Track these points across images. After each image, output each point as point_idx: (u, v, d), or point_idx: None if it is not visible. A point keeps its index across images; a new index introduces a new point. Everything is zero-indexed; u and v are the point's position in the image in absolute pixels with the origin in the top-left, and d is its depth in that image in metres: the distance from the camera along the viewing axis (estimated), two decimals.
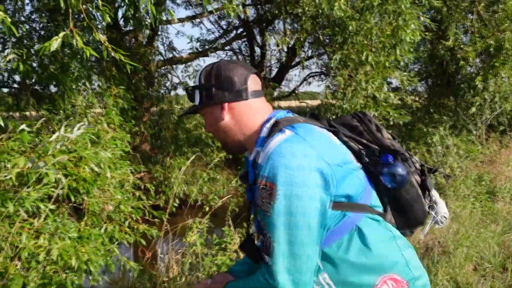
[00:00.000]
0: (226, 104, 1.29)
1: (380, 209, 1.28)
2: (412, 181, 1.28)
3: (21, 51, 4.08)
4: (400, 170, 1.26)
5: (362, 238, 1.19)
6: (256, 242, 1.41)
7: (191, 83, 10.13)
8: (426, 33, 7.28)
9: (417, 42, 7.17)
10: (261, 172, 1.17)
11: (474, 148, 7.70)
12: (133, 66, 7.34)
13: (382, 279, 1.18)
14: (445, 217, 1.38)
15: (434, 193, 1.39)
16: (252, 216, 1.38)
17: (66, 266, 2.63)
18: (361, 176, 1.25)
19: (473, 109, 7.82)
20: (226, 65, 1.31)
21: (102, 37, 3.22)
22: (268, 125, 1.28)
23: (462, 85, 8.30)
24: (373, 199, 1.27)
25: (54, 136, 2.55)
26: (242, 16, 9.09)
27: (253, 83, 1.32)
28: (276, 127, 1.24)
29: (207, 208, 3.36)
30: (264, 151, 1.20)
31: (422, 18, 6.57)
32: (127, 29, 8.47)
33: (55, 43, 2.96)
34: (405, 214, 1.31)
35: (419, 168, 1.35)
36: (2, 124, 2.65)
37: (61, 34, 3.09)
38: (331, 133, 1.31)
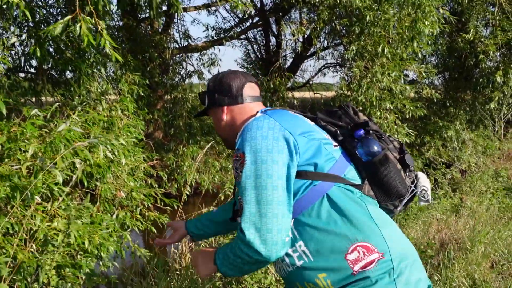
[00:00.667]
0: (225, 107, 1.52)
1: (356, 182, 1.36)
2: (388, 156, 1.39)
3: (35, 34, 4.07)
4: (373, 144, 1.38)
5: (332, 205, 1.28)
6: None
7: (205, 72, 10.13)
8: (445, 25, 7.13)
9: (436, 34, 7.03)
10: (236, 147, 1.37)
11: (492, 144, 7.56)
12: (148, 53, 7.34)
13: (353, 246, 1.23)
14: (424, 190, 1.45)
15: (419, 173, 1.50)
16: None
17: (80, 249, 2.64)
18: (331, 150, 1.36)
19: (492, 104, 7.66)
20: (229, 74, 1.55)
21: (101, 24, 3.18)
22: (251, 120, 1.45)
23: (481, 80, 8.13)
24: (348, 172, 1.36)
25: (61, 127, 2.53)
26: (248, 10, 9.02)
27: (249, 89, 1.54)
28: (254, 116, 1.46)
29: (222, 197, 3.34)
30: (240, 133, 1.39)
31: (441, 11, 6.42)
32: (143, 16, 8.45)
33: (58, 28, 2.95)
34: (384, 187, 1.38)
35: (398, 146, 1.47)
36: (3, 111, 2.65)
37: (66, 18, 3.08)
38: (306, 118, 1.49)
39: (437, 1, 6.24)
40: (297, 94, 12.03)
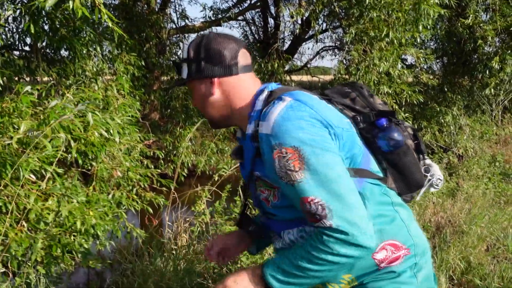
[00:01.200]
0: (215, 79, 1.26)
1: (380, 175, 1.26)
2: (408, 144, 1.28)
3: (29, 10, 3.98)
4: (396, 134, 1.26)
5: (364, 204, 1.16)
6: (261, 219, 1.42)
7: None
8: (445, 10, 7.05)
9: (436, 19, 6.94)
10: (272, 142, 1.13)
11: (489, 129, 7.57)
12: (145, 33, 7.24)
13: (381, 245, 1.18)
14: (439, 179, 1.38)
15: (429, 160, 1.41)
16: (248, 193, 1.41)
17: (73, 229, 2.63)
18: (359, 142, 1.24)
19: (488, 90, 7.65)
20: (216, 38, 1.27)
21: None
22: (262, 97, 1.26)
23: (478, 65, 8.09)
24: (373, 164, 1.25)
25: (53, 103, 2.49)
26: None
27: (243, 57, 1.29)
28: (272, 97, 1.23)
29: (216, 178, 3.32)
30: (267, 121, 1.16)
31: None
32: None
33: (50, 0, 2.86)
34: (405, 178, 1.29)
35: (412, 133, 1.36)
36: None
37: None
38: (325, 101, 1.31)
39: None
40: (294, 77, 11.96)
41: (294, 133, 1.11)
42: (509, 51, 7.55)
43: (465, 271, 2.95)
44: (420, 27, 5.69)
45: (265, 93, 1.26)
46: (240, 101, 1.28)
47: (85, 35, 5.00)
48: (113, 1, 8.06)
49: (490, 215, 3.63)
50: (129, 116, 4.28)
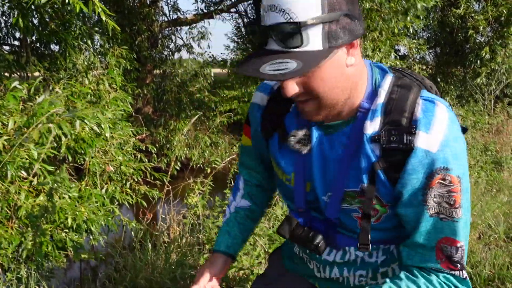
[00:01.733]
0: (356, 41, 0.90)
1: None
2: None
3: (18, 4, 3.95)
4: None
5: None
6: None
7: (195, 46, 9.87)
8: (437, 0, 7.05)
9: (429, 9, 6.94)
10: (436, 165, 0.91)
11: (482, 118, 7.61)
12: (136, 26, 7.20)
13: None
14: None
15: None
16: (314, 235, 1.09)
17: (65, 225, 2.62)
18: None
19: (479, 79, 7.68)
20: None
21: None
22: (386, 85, 0.97)
23: (470, 55, 8.13)
24: None
25: (40, 99, 2.46)
26: None
27: None
28: (411, 92, 0.95)
29: (209, 170, 3.32)
30: (430, 134, 0.90)
31: None
32: None
33: None
34: None
35: None
36: None
37: None
38: None
39: None
40: None
41: (463, 159, 0.93)
42: (500, 41, 7.58)
43: None
44: (409, 18, 5.66)
45: (389, 79, 0.98)
46: (361, 78, 0.97)
47: (75, 29, 4.96)
48: None
49: (482, 203, 3.66)
50: (121, 110, 4.26)
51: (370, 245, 1.03)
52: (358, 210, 1.02)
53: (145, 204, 3.87)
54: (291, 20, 0.82)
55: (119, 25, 7.16)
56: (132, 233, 3.49)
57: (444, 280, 0.96)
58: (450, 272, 0.96)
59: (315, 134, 1.04)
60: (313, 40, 0.85)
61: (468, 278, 0.97)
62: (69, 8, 4.79)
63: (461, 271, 0.96)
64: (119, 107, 4.26)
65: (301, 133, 1.06)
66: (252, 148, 1.28)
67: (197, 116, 4.05)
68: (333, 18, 0.84)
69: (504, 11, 7.38)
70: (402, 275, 1.00)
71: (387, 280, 1.00)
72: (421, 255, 0.99)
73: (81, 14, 4.90)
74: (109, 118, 3.73)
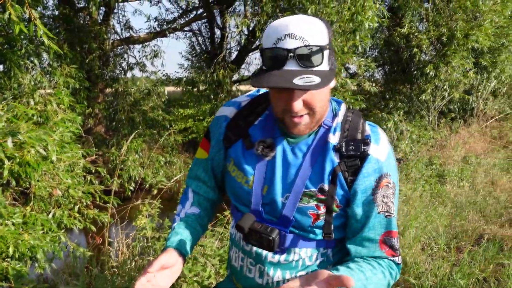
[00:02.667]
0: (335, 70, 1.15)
1: None
2: None
3: None
4: None
5: None
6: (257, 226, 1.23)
7: (148, 64, 9.79)
8: (383, 19, 7.39)
9: (375, 28, 7.26)
10: (384, 170, 1.17)
11: (426, 133, 7.96)
12: (87, 44, 7.07)
13: None
14: None
15: None
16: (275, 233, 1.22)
17: (6, 255, 2.51)
18: None
19: (424, 96, 8.06)
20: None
21: (34, 14, 3.01)
22: (343, 110, 1.25)
23: (415, 73, 8.52)
24: None
25: None
26: (196, 2, 8.87)
27: None
28: (360, 117, 1.25)
29: (155, 191, 3.28)
30: (380, 146, 1.19)
31: (378, 5, 6.63)
32: (81, 5, 8.11)
33: None
34: None
35: None
36: None
37: None
38: None
39: None
40: (243, 87, 12.04)
41: (397, 171, 1.23)
42: (442, 59, 7.99)
43: (401, 271, 3.09)
44: (358, 37, 5.90)
45: (344, 106, 1.26)
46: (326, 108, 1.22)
47: (21, 48, 4.81)
48: (53, 12, 7.82)
49: (425, 215, 3.82)
50: (69, 131, 4.14)
51: (333, 234, 1.22)
52: (315, 207, 1.20)
53: (94, 228, 3.77)
54: (311, 44, 1.05)
55: (69, 44, 7.05)
56: (83, 260, 3.39)
57: (388, 264, 1.22)
58: (392, 258, 1.22)
59: (280, 143, 1.24)
60: (325, 62, 1.09)
61: (400, 264, 1.25)
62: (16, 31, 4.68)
63: (399, 257, 1.23)
64: (68, 128, 4.15)
65: (269, 141, 1.24)
66: (207, 160, 1.41)
67: (133, 134, 3.95)
68: (330, 47, 1.11)
69: (445, 31, 7.81)
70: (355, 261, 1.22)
71: (349, 263, 1.20)
72: (368, 248, 1.23)
73: (27, 33, 4.77)
74: (56, 139, 3.63)
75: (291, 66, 1.06)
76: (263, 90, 1.36)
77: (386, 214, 1.19)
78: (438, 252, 3.42)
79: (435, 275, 2.98)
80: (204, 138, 1.42)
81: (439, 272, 2.99)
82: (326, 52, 1.09)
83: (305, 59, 1.06)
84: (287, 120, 1.16)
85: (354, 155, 1.17)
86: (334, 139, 1.20)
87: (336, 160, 1.18)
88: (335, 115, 1.25)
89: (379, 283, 1.17)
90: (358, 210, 1.19)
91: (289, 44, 1.05)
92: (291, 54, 1.05)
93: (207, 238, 2.89)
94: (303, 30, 1.06)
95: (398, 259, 1.23)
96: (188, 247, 1.31)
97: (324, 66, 1.09)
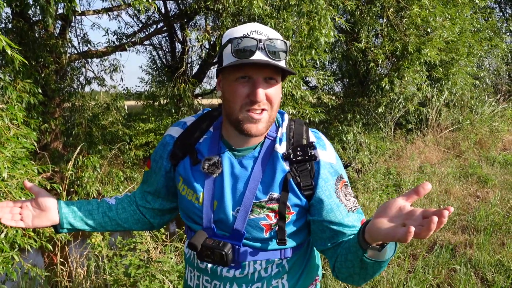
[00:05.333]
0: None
1: None
2: None
3: None
4: None
5: None
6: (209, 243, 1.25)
7: (107, 78, 9.62)
8: (340, 34, 7.61)
9: (333, 42, 7.46)
10: (339, 172, 1.26)
11: (384, 144, 8.19)
12: (43, 59, 6.89)
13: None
14: None
15: None
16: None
17: None
18: None
19: (380, 109, 8.33)
20: None
21: None
22: (286, 121, 1.31)
23: (371, 86, 8.79)
24: None
25: None
26: (152, 11, 8.80)
27: None
28: (303, 125, 1.32)
29: None
30: (327, 151, 1.26)
31: (337, 19, 6.83)
32: (37, 18, 7.90)
33: None
34: None
35: None
36: None
37: None
38: None
39: (331, 12, 6.63)
40: (205, 101, 12.04)
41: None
42: (397, 73, 8.29)
43: None
44: (313, 52, 6.06)
45: (287, 116, 1.33)
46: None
47: None
48: (7, 25, 7.58)
49: None
50: (23, 147, 4.02)
51: (287, 240, 1.26)
52: (266, 218, 1.22)
53: (50, 247, 3.64)
54: (277, 38, 1.18)
55: (24, 58, 6.82)
56: (40, 281, 3.27)
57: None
58: None
59: (227, 158, 1.26)
60: (285, 58, 1.20)
61: None
62: None
63: None
64: (21, 144, 4.02)
65: (214, 158, 1.26)
66: (149, 172, 1.46)
67: (112, 152, 3.91)
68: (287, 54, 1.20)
69: (399, 46, 8.12)
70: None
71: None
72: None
73: None
74: (8, 156, 3.52)
75: (259, 56, 1.14)
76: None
77: (354, 209, 1.27)
78: (394, 260, 3.52)
79: (391, 283, 3.06)
80: (149, 160, 1.46)
81: (394, 279, 3.07)
82: (286, 57, 1.20)
83: (272, 51, 1.15)
84: (245, 118, 1.18)
85: (303, 159, 1.22)
86: (281, 148, 1.24)
87: (286, 167, 1.23)
88: (278, 126, 1.31)
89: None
90: (331, 215, 1.24)
91: (259, 36, 1.16)
92: (260, 44, 1.14)
93: (165, 254, 2.86)
94: (270, 30, 1.20)
95: None
96: (70, 216, 1.36)
97: (284, 63, 1.21)
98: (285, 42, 1.18)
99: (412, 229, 0.87)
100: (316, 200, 1.23)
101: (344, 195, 1.26)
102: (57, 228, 1.36)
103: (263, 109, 1.18)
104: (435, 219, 0.85)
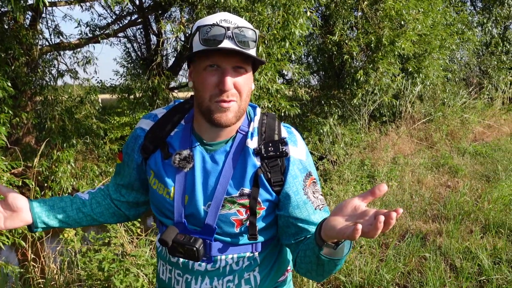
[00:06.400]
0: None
1: None
2: None
3: None
4: None
5: None
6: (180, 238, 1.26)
7: (80, 71, 9.42)
8: (315, 28, 7.65)
9: (306, 35, 7.50)
10: (308, 169, 1.27)
11: (358, 136, 8.31)
12: (13, 51, 6.71)
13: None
14: None
15: None
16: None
17: None
18: None
19: (355, 100, 8.43)
20: None
21: None
22: (258, 116, 1.31)
23: (346, 78, 8.89)
24: None
25: None
26: (130, 7, 8.67)
27: None
28: (275, 120, 1.31)
29: None
30: (298, 148, 1.26)
31: (308, 13, 6.85)
32: (5, 9, 7.67)
33: None
34: None
35: None
36: None
37: None
38: None
39: (306, 4, 6.66)
40: (181, 94, 11.93)
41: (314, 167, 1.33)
42: (371, 65, 8.40)
43: None
44: (287, 44, 6.08)
45: (259, 110, 1.32)
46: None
47: None
48: None
49: None
50: None
51: (258, 235, 1.27)
52: (237, 213, 1.23)
53: (24, 244, 3.58)
54: (246, 27, 1.16)
55: None
56: (13, 278, 3.21)
57: None
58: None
59: (198, 152, 1.25)
60: (255, 51, 1.19)
61: None
62: None
63: None
64: None
65: (185, 152, 1.24)
66: (121, 165, 1.44)
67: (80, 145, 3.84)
68: (256, 43, 1.19)
69: (373, 39, 8.22)
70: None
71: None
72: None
73: None
74: None
75: (227, 44, 1.13)
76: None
77: (321, 207, 1.27)
78: (366, 248, 3.60)
79: (363, 272, 3.14)
80: (120, 153, 1.44)
81: (366, 268, 3.15)
82: (255, 46, 1.18)
83: (240, 40, 1.14)
84: (215, 107, 1.16)
85: (274, 155, 1.22)
86: (252, 144, 1.24)
87: (257, 163, 1.22)
88: (250, 121, 1.30)
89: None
90: (297, 211, 1.24)
91: (227, 24, 1.15)
92: (229, 33, 1.13)
93: (140, 248, 2.85)
94: (239, 20, 1.18)
95: None
96: (44, 214, 1.34)
97: (254, 51, 1.19)
98: (254, 31, 1.17)
99: (359, 226, 0.89)
100: (283, 196, 1.24)
101: (312, 192, 1.26)
102: (31, 227, 1.33)
103: (232, 100, 1.17)
104: (382, 218, 0.87)
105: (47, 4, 4.58)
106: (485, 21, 14.75)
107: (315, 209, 1.25)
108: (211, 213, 1.23)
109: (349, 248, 1.11)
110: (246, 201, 1.22)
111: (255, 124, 1.28)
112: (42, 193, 6.32)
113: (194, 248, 1.21)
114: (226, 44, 1.13)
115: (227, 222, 1.24)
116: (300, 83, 10.13)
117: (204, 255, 1.26)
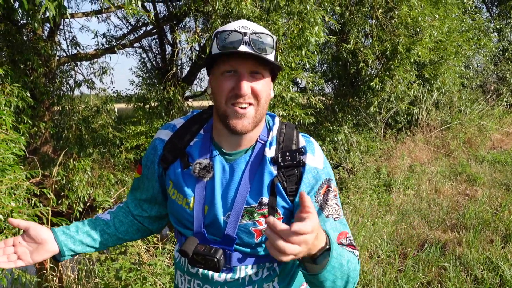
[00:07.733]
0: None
1: None
2: None
3: None
4: None
5: None
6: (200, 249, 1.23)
7: (97, 81, 9.55)
8: (330, 36, 7.64)
9: (322, 43, 7.50)
10: (325, 177, 1.24)
11: (374, 144, 8.24)
12: (32, 62, 6.86)
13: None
14: None
15: None
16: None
17: None
18: None
19: (371, 109, 8.37)
20: None
21: None
22: (277, 125, 1.30)
23: (362, 86, 8.84)
24: None
25: None
26: (146, 18, 8.80)
27: None
28: (293, 129, 1.30)
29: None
30: (316, 156, 1.24)
31: (327, 19, 6.85)
32: (25, 21, 7.84)
33: None
34: None
35: None
36: None
37: None
38: None
39: (321, 12, 6.66)
40: (196, 103, 12.00)
41: (333, 176, 1.29)
42: (387, 73, 8.35)
43: None
44: (303, 52, 6.08)
45: (278, 120, 1.32)
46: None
47: None
48: None
49: (371, 224, 3.96)
50: (12, 152, 3.99)
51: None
52: (257, 224, 1.22)
53: None
54: (264, 33, 1.16)
55: (11, 61, 6.78)
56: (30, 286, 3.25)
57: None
58: (352, 250, 1.19)
59: (218, 162, 1.25)
60: (273, 55, 1.19)
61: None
62: None
63: (357, 251, 1.21)
64: (10, 150, 4.00)
65: (205, 162, 1.24)
66: (140, 179, 1.43)
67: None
68: (276, 53, 1.22)
69: (389, 46, 8.18)
70: None
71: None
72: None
73: None
74: None
75: (244, 49, 1.13)
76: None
77: (335, 216, 1.21)
78: (384, 259, 3.54)
79: (381, 282, 3.09)
80: (140, 165, 1.43)
81: (385, 278, 3.10)
82: (274, 52, 1.19)
83: (257, 45, 1.15)
84: (230, 112, 1.16)
85: (291, 164, 1.21)
86: (270, 152, 1.23)
87: (274, 171, 1.21)
88: (269, 130, 1.29)
89: (351, 258, 1.12)
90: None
91: (244, 30, 1.15)
92: (245, 38, 1.14)
93: (157, 257, 2.86)
94: (257, 26, 1.18)
95: (356, 253, 1.19)
96: (69, 242, 1.32)
97: (273, 58, 1.19)
98: (272, 37, 1.17)
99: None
100: (295, 204, 1.22)
101: (325, 200, 1.22)
102: (56, 257, 1.32)
103: (249, 103, 1.16)
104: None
105: (68, 16, 4.66)
106: (501, 26, 14.57)
107: (327, 217, 1.21)
108: (230, 223, 1.22)
109: (330, 258, 1.00)
110: (265, 211, 1.21)
111: (273, 133, 1.27)
112: (59, 202, 6.40)
113: (215, 259, 1.20)
114: (243, 49, 1.13)
115: (247, 233, 1.23)
116: (314, 91, 10.10)
117: (224, 265, 1.24)
